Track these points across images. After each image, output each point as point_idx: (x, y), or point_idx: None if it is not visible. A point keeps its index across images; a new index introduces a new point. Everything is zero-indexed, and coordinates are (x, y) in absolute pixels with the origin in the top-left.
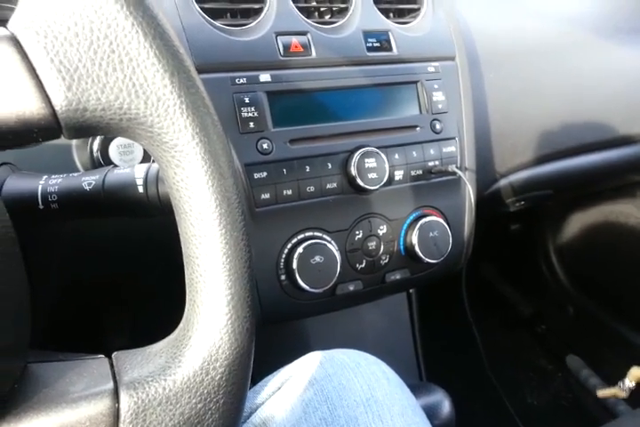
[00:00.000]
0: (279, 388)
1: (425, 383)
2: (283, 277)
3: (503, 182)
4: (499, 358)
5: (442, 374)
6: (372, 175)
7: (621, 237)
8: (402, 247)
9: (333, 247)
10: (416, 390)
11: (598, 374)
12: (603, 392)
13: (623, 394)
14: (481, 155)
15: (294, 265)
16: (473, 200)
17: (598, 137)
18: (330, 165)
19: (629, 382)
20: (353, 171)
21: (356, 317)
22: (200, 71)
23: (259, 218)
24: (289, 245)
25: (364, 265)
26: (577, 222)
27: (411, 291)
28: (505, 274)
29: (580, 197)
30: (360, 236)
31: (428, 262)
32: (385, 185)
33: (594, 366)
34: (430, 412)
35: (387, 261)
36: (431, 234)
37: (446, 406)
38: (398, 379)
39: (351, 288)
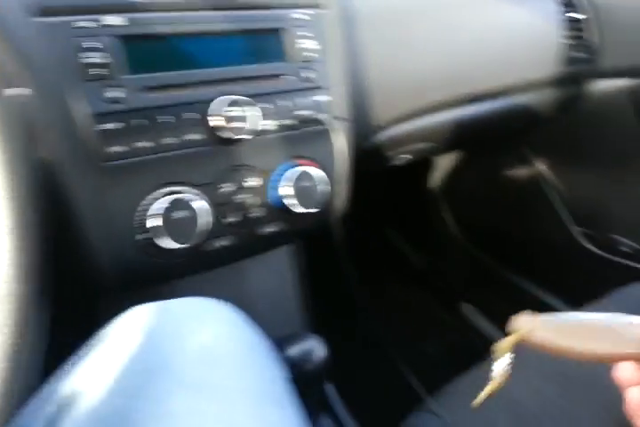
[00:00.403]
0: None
1: (301, 333)
2: (141, 235)
3: (383, 135)
4: (394, 311)
5: (329, 327)
6: (238, 125)
7: (507, 189)
8: (275, 199)
9: (199, 201)
10: (291, 339)
11: (492, 321)
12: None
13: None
14: (358, 107)
15: (154, 222)
16: (348, 150)
17: (474, 90)
18: (191, 115)
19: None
20: (216, 120)
21: (238, 274)
22: (41, 14)
23: (110, 173)
24: (147, 202)
25: (235, 219)
26: (465, 175)
27: (295, 245)
28: (399, 229)
29: (466, 149)
30: (229, 189)
31: (303, 214)
32: (253, 135)
33: (487, 314)
34: (304, 358)
35: (260, 214)
36: (305, 184)
37: (319, 352)
38: (250, 329)
39: (222, 244)
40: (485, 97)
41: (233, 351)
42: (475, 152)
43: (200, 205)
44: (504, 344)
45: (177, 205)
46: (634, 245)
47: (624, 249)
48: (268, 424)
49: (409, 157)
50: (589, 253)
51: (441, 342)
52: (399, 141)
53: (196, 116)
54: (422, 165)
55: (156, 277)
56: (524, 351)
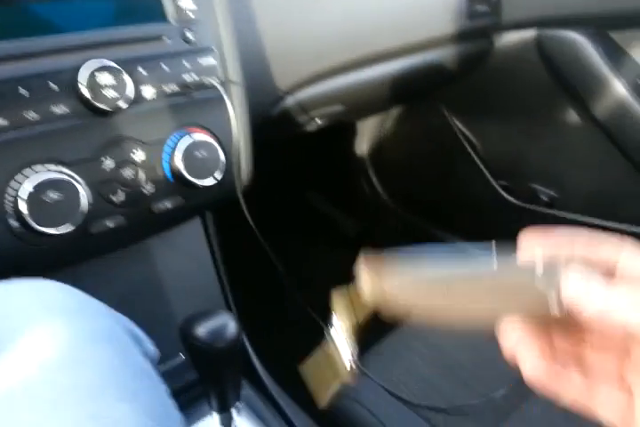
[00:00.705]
0: None
1: (212, 310)
2: (15, 222)
3: (290, 100)
4: (322, 277)
5: (248, 301)
6: (111, 94)
7: (430, 149)
8: (168, 173)
9: (76, 181)
10: (202, 317)
11: None
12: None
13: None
14: (255, 71)
15: (24, 206)
16: (246, 117)
17: (376, 49)
18: (54, 86)
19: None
20: (84, 90)
21: (143, 255)
22: None
23: None
24: (14, 185)
25: (123, 197)
26: (388, 138)
27: (204, 220)
28: (328, 196)
29: (381, 111)
30: (111, 164)
31: (200, 186)
32: (132, 104)
33: None
34: (215, 336)
35: (152, 190)
36: (199, 154)
37: (231, 328)
38: (67, 307)
39: (110, 225)
40: (390, 56)
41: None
42: (396, 115)
43: (76, 184)
44: (340, 307)
45: (49, 185)
46: (551, 193)
47: (543, 198)
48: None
49: (322, 122)
50: (511, 205)
51: None
52: (308, 106)
53: (62, 86)
54: (347, 130)
55: (43, 264)
56: None
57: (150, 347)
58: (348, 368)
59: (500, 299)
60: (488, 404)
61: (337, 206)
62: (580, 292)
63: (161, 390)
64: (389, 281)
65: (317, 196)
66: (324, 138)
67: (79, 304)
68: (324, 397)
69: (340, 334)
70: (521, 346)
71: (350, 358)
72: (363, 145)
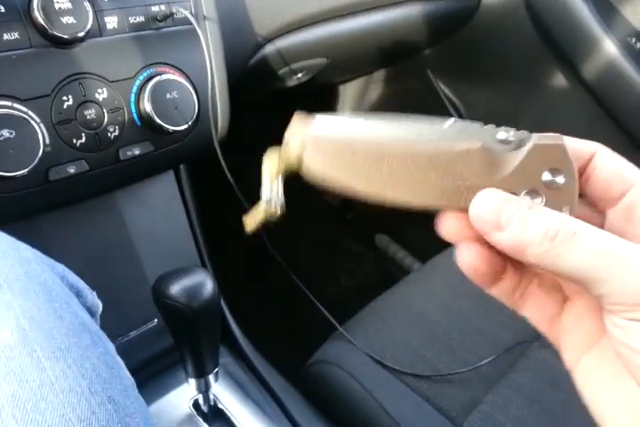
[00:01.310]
0: None
1: (188, 267)
2: None
3: (269, 48)
4: (306, 246)
5: (224, 262)
6: (69, 20)
7: (416, 114)
8: (135, 116)
9: (31, 118)
10: (177, 274)
11: (407, 249)
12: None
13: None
14: (233, 12)
15: None
16: (220, 57)
17: None
18: (2, 8)
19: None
20: (38, 15)
21: (112, 209)
22: None
23: None
24: None
25: (84, 140)
26: (372, 103)
27: (181, 176)
28: None
29: (365, 68)
30: (70, 102)
31: (172, 132)
32: (94, 36)
33: (400, 242)
34: (192, 294)
35: (117, 133)
36: (169, 96)
37: (208, 287)
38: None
39: (71, 171)
40: (376, 6)
41: None
42: (380, 79)
43: (31, 121)
44: (272, 166)
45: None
46: None
47: None
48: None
49: (304, 76)
50: None
51: (356, 274)
52: (289, 56)
53: (12, 9)
54: (329, 94)
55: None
56: (433, 267)
57: (92, 299)
58: (273, 208)
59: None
60: (474, 372)
61: None
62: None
63: (103, 349)
64: (316, 133)
65: None
66: (305, 102)
67: (1, 248)
68: (250, 224)
69: (265, 182)
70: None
71: (273, 200)
72: (346, 111)
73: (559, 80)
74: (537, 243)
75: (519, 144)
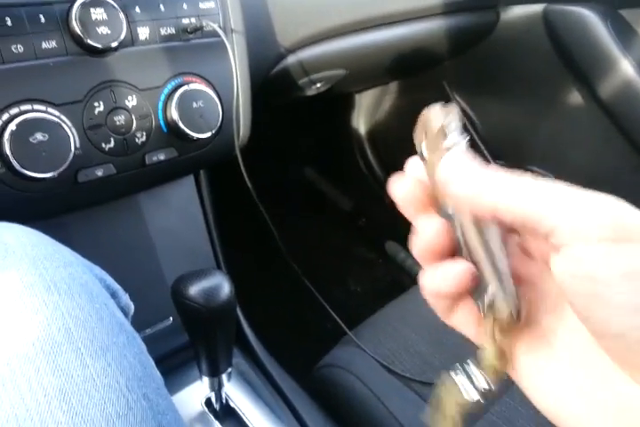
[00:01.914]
0: None
1: (205, 269)
2: None
3: (291, 59)
4: (317, 251)
5: (239, 265)
6: (104, 31)
7: None
8: (162, 123)
9: (63, 123)
10: (195, 276)
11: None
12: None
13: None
14: (260, 25)
15: (7, 146)
16: (245, 68)
17: (384, 12)
18: (43, 18)
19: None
20: (75, 25)
21: (133, 210)
22: None
23: None
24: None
25: (113, 145)
26: (387, 113)
27: (198, 178)
28: (324, 173)
29: (383, 80)
30: (101, 108)
31: (196, 139)
32: (127, 45)
33: (410, 250)
34: (209, 295)
35: (144, 139)
36: (195, 105)
37: (225, 288)
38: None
39: (99, 173)
40: (394, 21)
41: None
42: (396, 90)
43: (64, 126)
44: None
45: (34, 125)
46: (548, 174)
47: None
48: None
49: (322, 86)
50: None
51: (366, 280)
52: (309, 67)
53: (51, 19)
54: (345, 104)
55: (28, 212)
56: None
57: (125, 300)
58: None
59: None
60: None
61: (333, 181)
62: (454, 173)
63: (138, 348)
64: None
65: (314, 171)
66: (322, 110)
67: (48, 251)
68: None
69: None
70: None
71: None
72: (360, 120)
73: (574, 98)
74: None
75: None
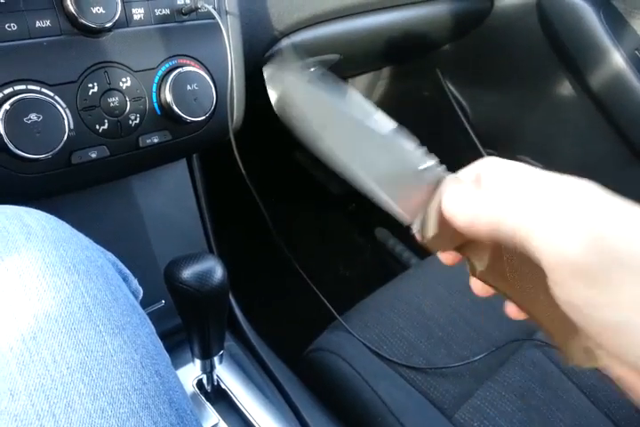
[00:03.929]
0: None
1: (198, 253)
2: None
3: (285, 43)
4: (307, 236)
5: (231, 249)
6: (98, 10)
7: (423, 113)
8: (156, 105)
9: (57, 103)
10: (187, 260)
11: (405, 244)
12: None
13: None
14: (253, 7)
15: (1, 127)
16: (239, 51)
17: None
18: None
19: None
20: (70, 3)
21: (125, 193)
22: None
23: None
24: None
25: (106, 126)
26: (379, 97)
27: (191, 161)
28: (315, 158)
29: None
30: (95, 90)
31: (190, 122)
32: (121, 26)
33: (399, 236)
34: (202, 279)
35: (138, 121)
36: (189, 87)
37: (218, 272)
38: (52, 233)
39: (93, 155)
40: (392, 5)
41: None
42: (388, 76)
43: (58, 106)
44: None
45: (28, 107)
46: (538, 164)
47: None
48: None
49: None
50: None
51: (355, 265)
52: (304, 51)
53: None
54: None
55: (22, 193)
56: (432, 264)
57: (135, 284)
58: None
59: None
60: (467, 367)
61: (323, 166)
62: (455, 200)
63: (149, 329)
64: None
65: (304, 155)
66: None
67: (66, 235)
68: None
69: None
70: None
71: None
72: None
73: (565, 87)
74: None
75: (435, 178)
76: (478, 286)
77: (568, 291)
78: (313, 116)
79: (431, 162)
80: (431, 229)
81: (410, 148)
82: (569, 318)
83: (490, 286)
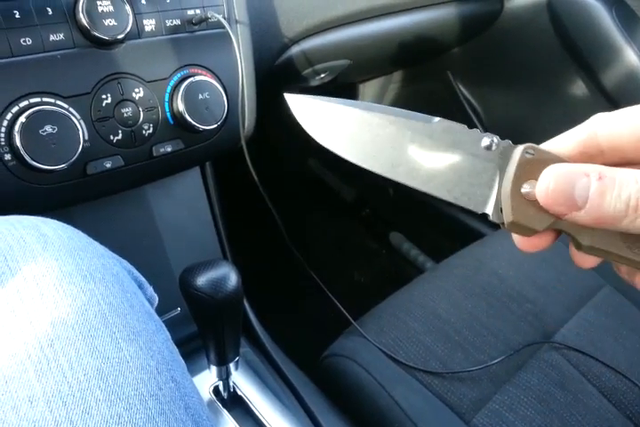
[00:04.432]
0: None
1: (212, 260)
2: (7, 156)
3: (295, 50)
4: (322, 242)
5: (244, 256)
6: (110, 22)
7: (433, 115)
8: (169, 115)
9: (72, 115)
10: (202, 267)
11: (420, 248)
12: None
13: None
14: (262, 15)
15: (18, 138)
16: (250, 59)
17: (388, 1)
18: (50, 11)
19: None
20: (82, 17)
21: (140, 201)
22: None
23: None
24: (8, 116)
25: (120, 137)
26: (391, 101)
27: (204, 170)
28: (327, 163)
29: (387, 70)
30: (109, 101)
31: (202, 131)
32: (133, 37)
33: (414, 240)
34: (216, 286)
35: (151, 131)
36: (201, 96)
37: (232, 279)
38: (69, 243)
39: (107, 165)
40: (402, 9)
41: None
42: (399, 79)
43: (72, 118)
44: None
45: (44, 118)
46: None
47: None
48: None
49: (326, 76)
50: None
51: (370, 270)
52: (313, 57)
53: (58, 11)
54: (348, 94)
55: (38, 204)
56: (447, 267)
57: (150, 292)
58: None
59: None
60: (484, 371)
61: (336, 172)
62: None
63: (165, 335)
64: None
65: (317, 161)
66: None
67: (82, 244)
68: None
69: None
70: None
71: None
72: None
73: (577, 86)
74: (622, 216)
75: (503, 152)
76: (583, 259)
77: None
78: (362, 144)
79: (492, 137)
80: (509, 214)
81: (463, 129)
82: None
83: (599, 256)
